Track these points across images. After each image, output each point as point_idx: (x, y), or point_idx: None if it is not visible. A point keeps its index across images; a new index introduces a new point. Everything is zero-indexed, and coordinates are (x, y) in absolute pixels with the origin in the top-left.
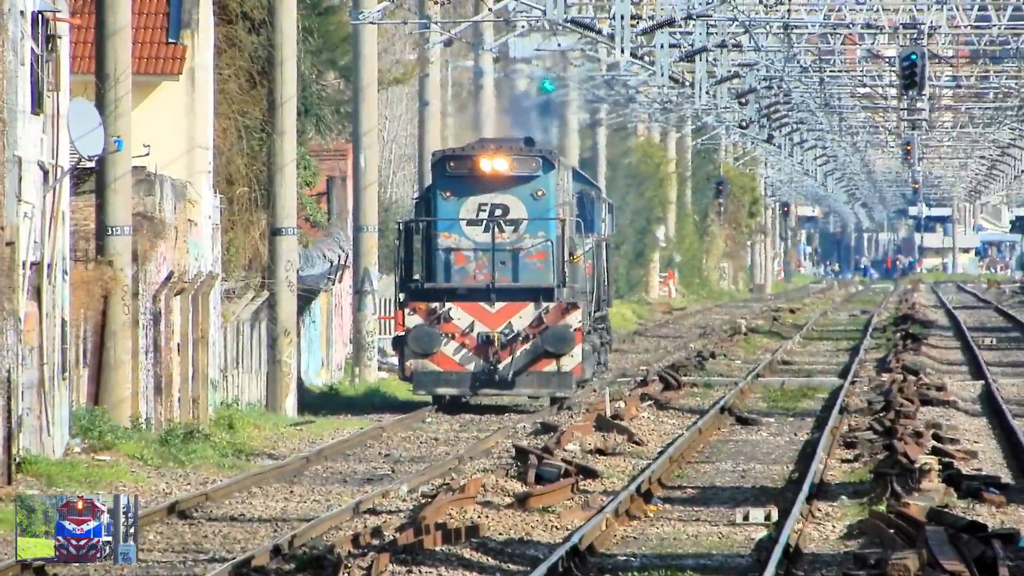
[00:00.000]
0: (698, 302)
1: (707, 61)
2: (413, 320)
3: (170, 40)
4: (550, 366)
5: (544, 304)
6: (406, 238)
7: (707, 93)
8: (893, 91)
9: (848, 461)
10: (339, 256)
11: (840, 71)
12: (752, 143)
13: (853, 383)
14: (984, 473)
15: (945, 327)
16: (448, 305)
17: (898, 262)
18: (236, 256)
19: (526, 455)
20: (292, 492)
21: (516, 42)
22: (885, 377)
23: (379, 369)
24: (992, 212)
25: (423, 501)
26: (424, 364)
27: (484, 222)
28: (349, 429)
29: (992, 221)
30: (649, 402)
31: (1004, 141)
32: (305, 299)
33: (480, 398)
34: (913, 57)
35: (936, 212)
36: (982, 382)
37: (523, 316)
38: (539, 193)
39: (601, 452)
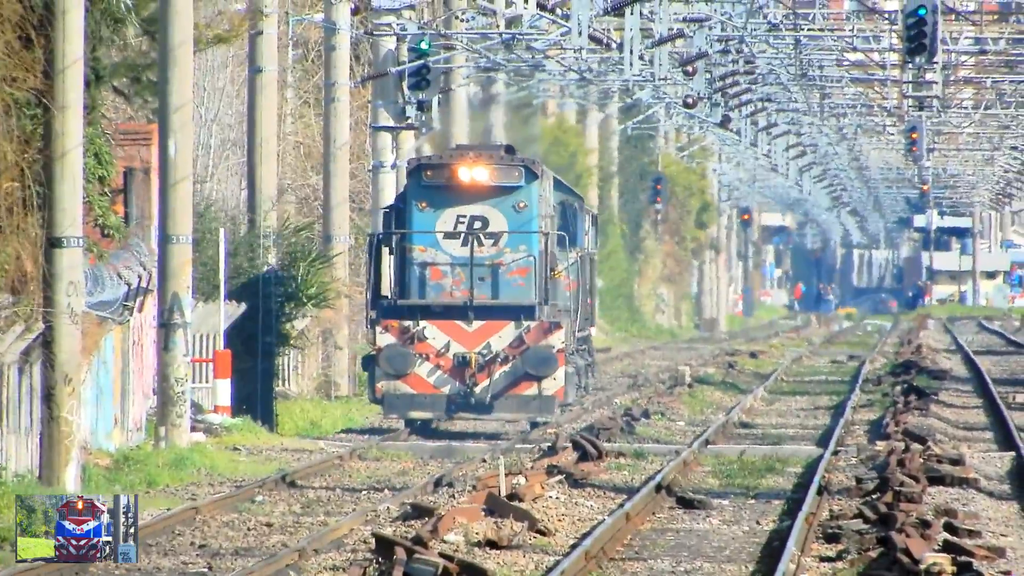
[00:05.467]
0: (626, 342)
1: (641, 15)
2: (385, 339)
3: None
4: (531, 389)
5: (525, 323)
6: (377, 252)
7: (640, 59)
8: (894, 58)
9: (829, 559)
10: (139, 276)
11: (822, 30)
12: (702, 128)
13: (836, 453)
14: None
15: (963, 378)
16: (423, 323)
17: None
18: (0, 275)
19: (391, 548)
20: None
21: None
22: (880, 446)
23: (193, 430)
24: None
25: None
26: (396, 386)
27: (462, 235)
28: (151, 510)
29: None
30: (559, 477)
31: None
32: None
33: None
34: (922, 12)
35: (951, 223)
36: (1012, 454)
37: (502, 336)
38: (521, 205)
39: (493, 545)
